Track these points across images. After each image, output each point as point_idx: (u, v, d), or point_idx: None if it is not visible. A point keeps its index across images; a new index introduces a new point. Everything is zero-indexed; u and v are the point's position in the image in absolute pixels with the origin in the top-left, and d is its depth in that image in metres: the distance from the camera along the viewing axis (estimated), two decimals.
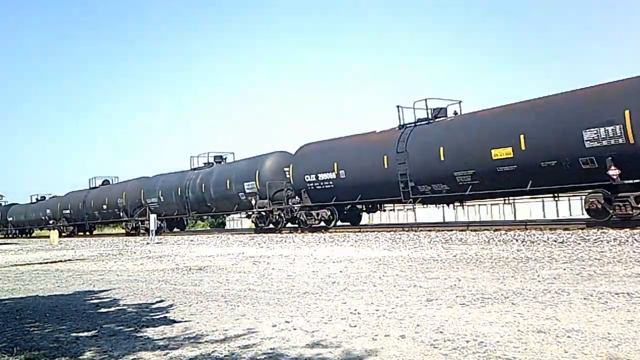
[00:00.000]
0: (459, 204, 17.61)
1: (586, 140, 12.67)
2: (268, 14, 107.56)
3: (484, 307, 5.01)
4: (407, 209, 29.79)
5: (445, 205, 18.31)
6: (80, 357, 4.03)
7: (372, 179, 17.45)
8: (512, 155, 13.94)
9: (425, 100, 17.20)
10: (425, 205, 19.36)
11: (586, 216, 13.77)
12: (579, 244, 10.02)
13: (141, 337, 4.57)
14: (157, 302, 6.43)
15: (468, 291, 5.92)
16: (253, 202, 22.29)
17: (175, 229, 31.51)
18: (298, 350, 3.85)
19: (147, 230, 28.81)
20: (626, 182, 12.34)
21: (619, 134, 12.20)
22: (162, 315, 5.52)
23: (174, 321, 5.17)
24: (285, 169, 21.65)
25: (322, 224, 19.74)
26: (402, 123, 17.44)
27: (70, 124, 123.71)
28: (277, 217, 21.36)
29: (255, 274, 8.85)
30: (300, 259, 10.92)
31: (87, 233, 39.83)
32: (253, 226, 24.60)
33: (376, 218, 32.64)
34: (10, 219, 47.49)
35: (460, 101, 16.98)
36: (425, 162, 16.04)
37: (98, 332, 4.86)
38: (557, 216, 27.06)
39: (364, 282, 7.14)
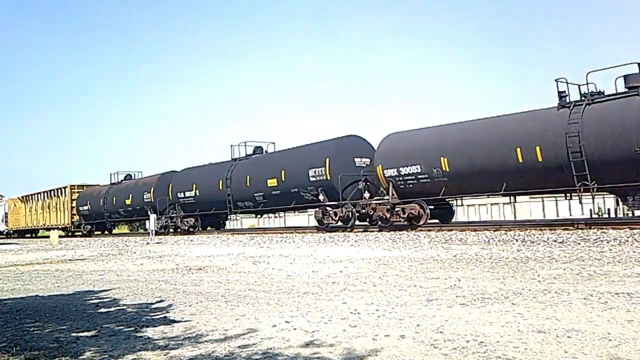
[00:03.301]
0: None
1: None
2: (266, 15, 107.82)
3: (484, 307, 5.01)
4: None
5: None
6: (80, 357, 4.03)
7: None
8: None
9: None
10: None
11: (586, 216, 13.85)
12: (579, 244, 10.02)
13: (141, 337, 4.57)
14: (157, 302, 6.43)
15: (468, 291, 5.92)
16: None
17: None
18: (298, 350, 3.85)
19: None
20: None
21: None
22: (162, 315, 5.52)
23: (174, 321, 5.17)
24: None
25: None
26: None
27: (73, 121, 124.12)
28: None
29: (255, 274, 8.85)
30: (300, 259, 10.92)
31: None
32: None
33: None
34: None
35: None
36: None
37: (98, 332, 4.86)
38: (557, 216, 27.08)
39: (364, 282, 7.14)
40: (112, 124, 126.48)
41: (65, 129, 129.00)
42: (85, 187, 37.88)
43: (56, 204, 39.53)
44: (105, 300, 6.89)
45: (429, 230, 15.84)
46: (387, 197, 18.45)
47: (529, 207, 30.21)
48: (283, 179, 20.85)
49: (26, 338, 4.78)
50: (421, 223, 16.97)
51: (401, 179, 17.35)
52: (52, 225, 39.40)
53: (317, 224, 20.38)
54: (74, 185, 38.02)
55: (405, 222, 17.39)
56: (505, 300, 5.30)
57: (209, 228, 27.87)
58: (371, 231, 17.80)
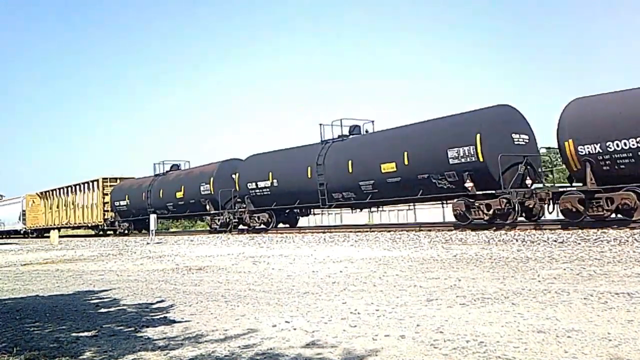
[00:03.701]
0: None
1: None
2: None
3: (484, 307, 5.01)
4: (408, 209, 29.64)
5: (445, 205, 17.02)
6: (80, 357, 4.03)
7: None
8: None
9: None
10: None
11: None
12: (579, 244, 10.02)
13: (141, 337, 4.57)
14: (157, 302, 6.43)
15: (468, 291, 5.92)
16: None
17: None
18: (298, 350, 3.85)
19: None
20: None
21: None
22: (162, 315, 5.52)
23: (174, 321, 5.17)
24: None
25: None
26: None
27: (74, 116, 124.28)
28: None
29: (255, 274, 8.86)
30: (300, 259, 10.92)
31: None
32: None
33: None
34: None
35: None
36: None
37: (98, 332, 4.86)
38: (558, 216, 26.97)
39: (364, 282, 7.14)
40: (108, 123, 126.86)
41: (65, 128, 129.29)
42: (119, 180, 33.35)
43: (83, 199, 34.90)
44: (105, 300, 6.89)
45: (429, 230, 15.83)
46: (545, 183, 15.46)
47: None
48: (406, 162, 16.39)
49: (26, 338, 4.79)
50: (637, 218, 12.30)
51: (607, 157, 12.54)
52: (78, 224, 35.62)
53: (455, 220, 16.08)
54: (106, 178, 33.38)
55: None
56: (505, 300, 5.30)
57: (280, 225, 23.04)
58: (371, 231, 17.71)
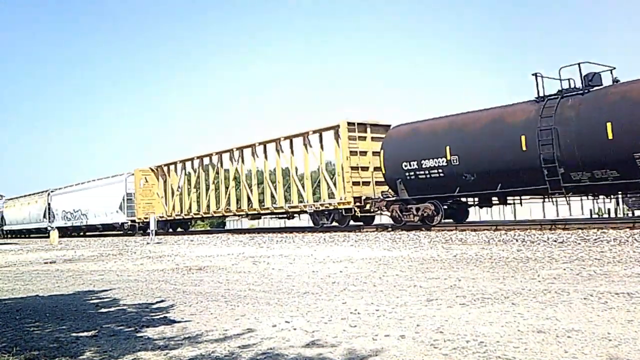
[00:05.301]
0: None
1: None
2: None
3: (484, 307, 5.01)
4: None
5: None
6: (80, 357, 4.03)
7: None
8: None
9: None
10: None
11: (586, 216, 13.66)
12: (579, 244, 10.02)
13: (141, 337, 4.57)
14: (157, 302, 6.43)
15: (468, 291, 5.92)
16: None
17: None
18: (298, 350, 3.85)
19: None
20: None
21: None
22: (162, 315, 5.52)
23: (174, 321, 5.17)
24: None
25: None
26: None
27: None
28: None
29: (255, 274, 8.85)
30: (300, 259, 10.92)
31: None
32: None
33: None
34: None
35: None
36: None
37: (98, 332, 4.86)
38: (557, 216, 27.05)
39: (364, 282, 7.14)
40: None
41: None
42: (369, 127, 18.88)
43: (280, 167, 21.62)
44: (105, 300, 6.89)
45: (429, 230, 15.82)
46: None
47: (529, 207, 30.16)
48: None
49: (26, 338, 4.78)
50: None
51: None
52: (274, 209, 21.66)
53: None
54: (352, 124, 18.54)
55: None
56: (505, 300, 5.30)
57: None
58: (371, 231, 17.69)
